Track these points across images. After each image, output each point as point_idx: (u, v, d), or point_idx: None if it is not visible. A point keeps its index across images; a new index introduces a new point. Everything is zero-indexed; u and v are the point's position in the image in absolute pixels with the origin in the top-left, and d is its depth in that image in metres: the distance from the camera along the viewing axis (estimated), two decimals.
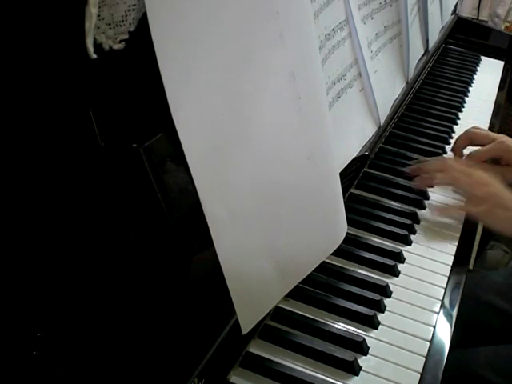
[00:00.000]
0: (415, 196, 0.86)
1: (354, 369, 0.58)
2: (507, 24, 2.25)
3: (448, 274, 0.73)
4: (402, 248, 0.76)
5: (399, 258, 0.74)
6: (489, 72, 1.38)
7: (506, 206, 0.80)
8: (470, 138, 0.96)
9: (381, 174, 0.90)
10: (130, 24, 0.42)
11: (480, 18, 2.27)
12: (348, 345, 0.60)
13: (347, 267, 0.70)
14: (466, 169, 0.84)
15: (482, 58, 1.44)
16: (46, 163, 0.42)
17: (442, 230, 0.81)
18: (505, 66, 1.43)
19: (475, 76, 1.34)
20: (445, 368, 0.60)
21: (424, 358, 0.61)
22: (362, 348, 0.60)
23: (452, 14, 1.46)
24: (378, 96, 0.85)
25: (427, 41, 1.19)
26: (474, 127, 0.98)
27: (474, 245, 0.85)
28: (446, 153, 1.00)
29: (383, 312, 0.66)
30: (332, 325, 0.62)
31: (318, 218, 0.58)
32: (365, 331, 0.63)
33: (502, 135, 0.98)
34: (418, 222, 0.82)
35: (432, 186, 0.88)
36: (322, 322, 0.62)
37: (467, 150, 1.02)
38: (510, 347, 0.83)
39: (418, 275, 0.72)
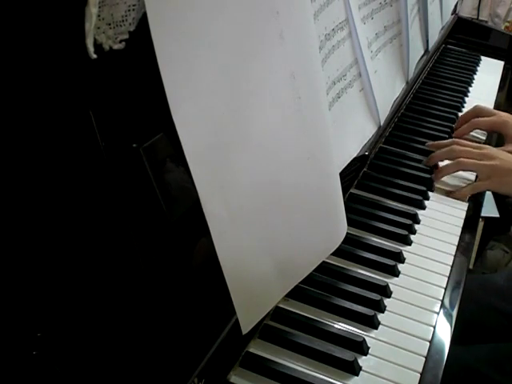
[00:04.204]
0: (415, 196, 0.86)
1: (354, 369, 0.58)
2: (507, 24, 2.26)
3: (448, 274, 0.73)
4: (402, 248, 0.76)
5: (399, 258, 0.74)
6: (489, 72, 1.38)
7: None
8: (476, 111, 1.05)
9: (381, 174, 0.90)
10: (130, 24, 0.42)
11: (480, 18, 2.27)
12: (348, 345, 0.60)
13: (347, 267, 0.70)
14: (469, 150, 0.89)
15: (482, 58, 1.44)
16: (47, 163, 0.42)
17: (442, 229, 0.81)
18: (505, 66, 1.43)
19: (475, 76, 1.34)
20: (445, 365, 0.60)
21: (424, 358, 0.61)
22: (362, 348, 0.60)
23: (452, 14, 1.46)
24: (378, 96, 0.85)
25: (427, 41, 1.19)
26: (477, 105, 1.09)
27: (474, 245, 0.85)
28: None
29: (383, 312, 0.66)
30: (332, 325, 0.62)
31: (317, 218, 0.58)
32: (365, 331, 0.63)
33: (505, 113, 1.03)
34: (418, 222, 0.82)
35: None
36: (321, 322, 0.62)
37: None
38: (510, 345, 0.83)
39: (418, 275, 0.72)
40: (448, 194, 0.89)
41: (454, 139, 0.97)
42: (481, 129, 1.07)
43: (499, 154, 0.88)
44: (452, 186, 0.91)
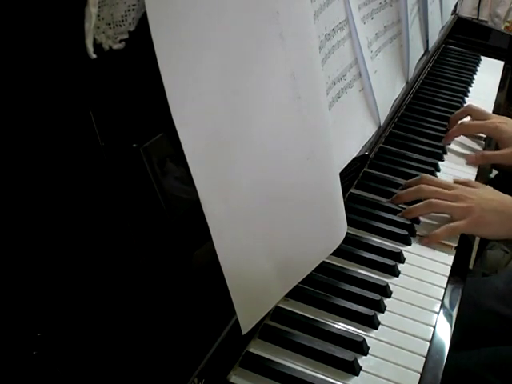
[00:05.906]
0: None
1: (354, 369, 0.58)
2: (507, 24, 2.26)
3: (448, 274, 0.73)
4: (402, 248, 0.76)
5: (399, 257, 0.74)
6: (489, 72, 1.38)
7: (496, 209, 0.79)
8: (467, 112, 1.04)
9: (381, 173, 0.90)
10: (129, 24, 0.42)
11: (480, 18, 2.27)
12: (348, 345, 0.60)
13: (347, 267, 0.70)
14: (440, 190, 0.82)
15: (482, 58, 1.44)
16: (47, 163, 0.42)
17: None
18: (505, 66, 1.43)
19: (475, 76, 1.34)
20: (445, 369, 0.60)
21: (424, 358, 0.61)
22: (362, 348, 0.60)
23: (452, 14, 1.46)
24: (378, 96, 0.85)
25: (427, 41, 1.19)
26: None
27: (474, 244, 0.85)
28: (446, 153, 1.00)
29: (383, 312, 0.66)
30: (332, 325, 0.62)
31: (317, 218, 0.58)
32: (365, 331, 0.63)
33: (498, 116, 1.01)
34: (418, 222, 0.82)
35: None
36: (321, 322, 0.62)
37: (462, 150, 1.03)
38: (510, 349, 0.83)
39: (418, 275, 0.72)
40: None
41: (422, 176, 0.86)
42: (471, 133, 1.05)
43: (471, 193, 0.81)
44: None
